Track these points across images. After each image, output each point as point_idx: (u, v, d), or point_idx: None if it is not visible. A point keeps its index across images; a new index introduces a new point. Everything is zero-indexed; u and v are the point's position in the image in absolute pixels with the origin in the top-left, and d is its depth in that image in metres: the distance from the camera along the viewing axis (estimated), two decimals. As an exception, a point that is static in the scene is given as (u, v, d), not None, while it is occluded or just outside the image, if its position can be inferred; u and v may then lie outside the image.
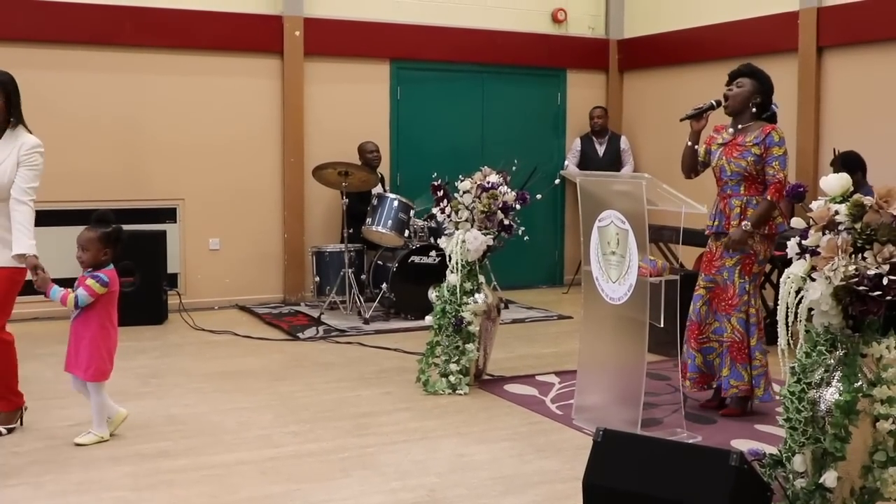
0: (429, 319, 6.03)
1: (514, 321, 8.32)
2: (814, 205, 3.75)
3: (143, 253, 8.05)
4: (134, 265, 7.95)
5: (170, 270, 8.47)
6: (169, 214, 8.81)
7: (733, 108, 5.35)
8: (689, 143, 5.49)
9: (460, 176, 6.06)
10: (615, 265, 5.00)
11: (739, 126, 5.35)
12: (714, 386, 5.46)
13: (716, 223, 5.35)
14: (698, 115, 5.41)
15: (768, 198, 5.17)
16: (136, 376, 6.22)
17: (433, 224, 8.35)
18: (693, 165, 5.54)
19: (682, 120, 5.48)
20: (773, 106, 5.42)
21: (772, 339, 4.50)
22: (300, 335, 7.62)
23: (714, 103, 5.40)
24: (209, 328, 7.89)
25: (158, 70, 8.66)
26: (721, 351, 5.33)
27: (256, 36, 8.98)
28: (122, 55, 8.53)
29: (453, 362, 5.84)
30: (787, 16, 8.57)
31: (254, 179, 9.11)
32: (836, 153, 7.49)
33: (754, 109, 5.33)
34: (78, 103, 8.40)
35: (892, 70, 7.81)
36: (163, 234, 8.39)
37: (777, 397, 4.75)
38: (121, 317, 7.85)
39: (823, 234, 3.66)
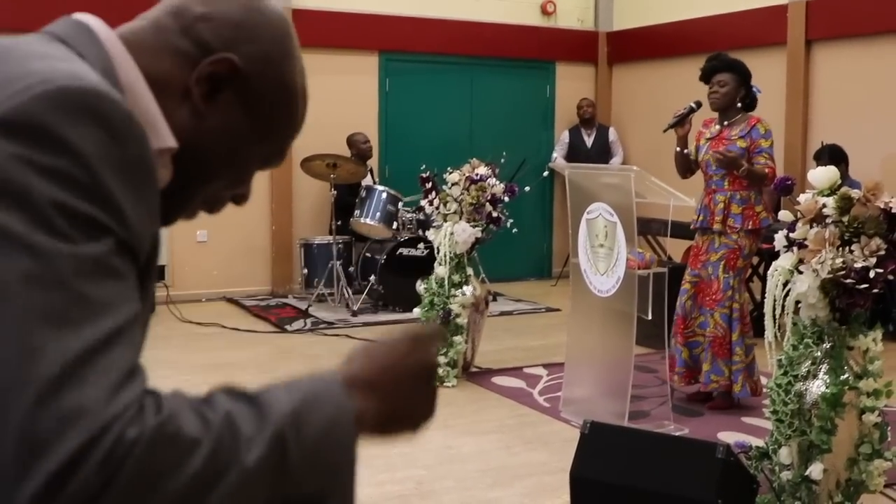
0: (417, 312, 6.02)
1: (502, 313, 8.32)
2: (801, 198, 3.76)
3: (131, 244, 8.03)
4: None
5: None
6: (156, 206, 8.77)
7: (721, 107, 5.35)
8: (679, 149, 5.47)
9: (449, 168, 6.06)
10: (603, 258, 5.00)
11: (726, 122, 5.35)
12: (701, 380, 5.47)
13: (701, 218, 5.35)
14: (681, 122, 5.40)
15: (766, 170, 5.18)
16: (123, 368, 6.20)
17: (421, 216, 8.33)
18: (687, 167, 5.53)
19: (665, 130, 5.46)
20: (754, 90, 5.42)
21: (759, 331, 4.52)
22: (288, 327, 7.61)
23: (694, 105, 5.39)
24: (197, 320, 7.86)
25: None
26: (705, 345, 5.34)
27: (244, 27, 8.93)
28: (109, 46, 8.48)
29: (441, 354, 5.84)
30: (776, 9, 8.57)
31: (242, 171, 9.06)
32: (823, 145, 7.51)
33: (739, 104, 5.34)
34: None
35: (880, 64, 7.83)
36: (150, 225, 8.35)
37: (764, 390, 4.78)
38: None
39: (811, 226, 3.68)
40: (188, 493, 0.81)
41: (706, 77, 5.39)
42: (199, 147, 1.05)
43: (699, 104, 5.39)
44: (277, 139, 1.12)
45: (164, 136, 1.01)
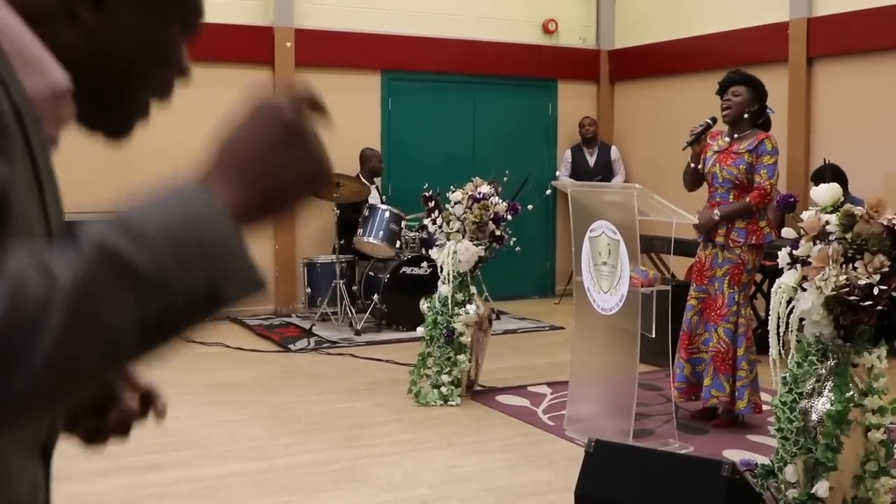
0: (420, 330, 6.01)
1: (506, 332, 8.31)
2: (804, 215, 3.76)
3: (134, 264, 8.04)
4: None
5: (161, 282, 8.44)
6: (159, 226, 8.77)
7: (731, 118, 5.36)
8: (692, 165, 5.48)
9: (452, 187, 6.07)
10: (607, 276, 5.00)
11: (736, 135, 5.36)
12: (702, 395, 5.45)
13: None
14: (697, 139, 5.41)
15: (748, 200, 5.18)
16: (127, 388, 6.19)
17: (424, 235, 8.34)
18: (696, 181, 5.53)
19: (683, 149, 5.48)
20: (767, 111, 5.44)
21: (763, 348, 4.53)
22: (291, 347, 7.60)
23: (710, 122, 5.40)
24: (200, 340, 7.84)
25: (149, 81, 8.64)
26: (707, 360, 5.32)
27: (247, 47, 8.98)
28: (112, 66, 8.51)
29: (445, 373, 5.83)
30: (778, 26, 8.60)
31: (245, 190, 9.08)
32: (826, 162, 7.51)
33: (746, 116, 5.35)
34: (68, 115, 8.37)
35: (881, 80, 7.84)
36: (153, 245, 8.35)
37: (765, 407, 4.78)
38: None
39: (814, 243, 3.68)
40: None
41: (722, 89, 5.41)
42: (111, 59, 0.99)
43: (715, 120, 5.40)
44: (183, 5, 1.05)
45: (51, 77, 0.93)
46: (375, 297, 8.19)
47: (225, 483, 4.42)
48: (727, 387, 5.24)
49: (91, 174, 8.51)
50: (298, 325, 8.51)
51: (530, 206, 6.36)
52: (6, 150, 0.84)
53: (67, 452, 4.35)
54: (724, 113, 5.36)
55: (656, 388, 5.96)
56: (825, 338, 3.71)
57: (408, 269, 8.23)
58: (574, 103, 10.59)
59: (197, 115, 8.84)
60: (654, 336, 4.83)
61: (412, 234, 8.48)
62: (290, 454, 4.85)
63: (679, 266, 8.10)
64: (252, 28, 9.00)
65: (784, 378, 3.78)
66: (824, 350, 3.72)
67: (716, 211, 5.21)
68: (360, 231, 8.27)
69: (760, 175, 5.22)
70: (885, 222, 3.59)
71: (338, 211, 8.24)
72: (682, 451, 4.78)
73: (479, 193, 5.92)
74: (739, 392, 5.23)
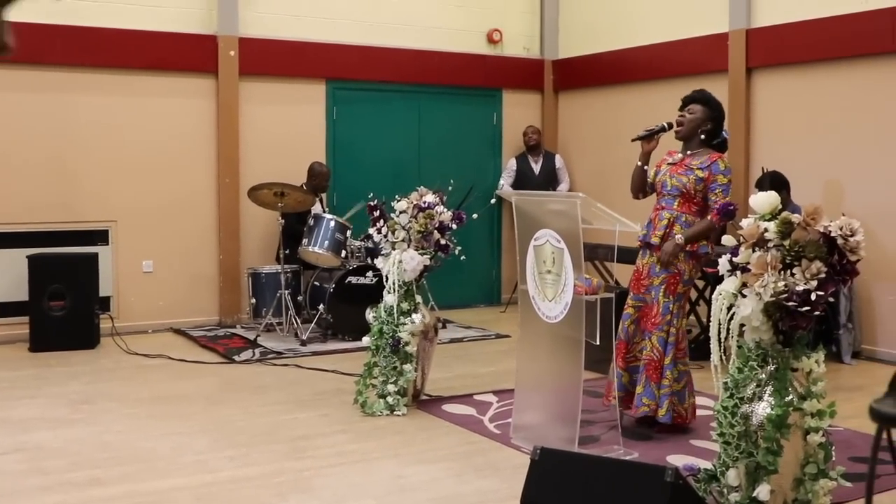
0: (366, 340, 5.99)
1: (452, 341, 8.32)
2: (744, 223, 3.82)
3: (75, 276, 7.91)
4: (64, 288, 7.81)
5: (102, 293, 8.32)
6: (101, 236, 8.66)
7: (684, 134, 5.41)
8: (639, 164, 5.50)
9: (397, 196, 6.06)
10: (551, 284, 5.03)
11: (689, 151, 5.41)
12: (633, 403, 5.45)
13: (644, 233, 5.41)
14: (650, 137, 5.43)
15: (710, 218, 5.21)
16: (68, 402, 6.09)
17: (370, 244, 8.32)
18: (641, 185, 5.56)
19: (633, 140, 5.49)
20: (723, 133, 5.51)
21: (706, 355, 4.57)
22: (236, 358, 7.53)
23: (665, 125, 5.44)
24: (143, 352, 7.75)
25: (90, 90, 8.53)
26: (640, 368, 5.36)
27: (191, 56, 8.90)
28: (52, 74, 8.39)
29: (391, 383, 5.82)
30: (718, 37, 8.74)
31: (188, 200, 9.00)
32: (765, 171, 7.66)
33: (703, 136, 5.40)
34: (7, 123, 8.23)
35: (818, 90, 8.01)
36: (95, 256, 8.24)
37: (698, 413, 4.82)
38: (52, 341, 7.77)
39: (753, 251, 3.74)
40: None
41: (682, 105, 5.47)
42: None
43: (671, 125, 5.44)
44: None
45: None
46: (321, 307, 8.16)
47: (168, 497, 4.36)
48: (657, 394, 5.28)
49: (33, 186, 8.38)
50: (243, 335, 8.44)
51: (475, 215, 6.38)
52: None
53: (5, 469, 4.28)
54: (677, 129, 5.41)
55: (601, 395, 6.00)
56: (765, 343, 3.77)
57: (353, 279, 8.21)
58: (518, 112, 10.66)
59: (140, 125, 8.78)
60: (598, 343, 4.87)
61: (357, 243, 8.46)
62: (234, 467, 4.81)
63: (622, 274, 8.15)
64: (195, 36, 8.92)
65: (725, 383, 3.83)
66: (764, 355, 3.78)
67: (679, 236, 5.23)
68: (305, 241, 8.23)
69: (716, 193, 5.25)
70: (822, 229, 3.66)
71: (282, 220, 8.20)
72: (627, 458, 4.82)
73: (425, 202, 5.92)
74: (661, 400, 5.26)
